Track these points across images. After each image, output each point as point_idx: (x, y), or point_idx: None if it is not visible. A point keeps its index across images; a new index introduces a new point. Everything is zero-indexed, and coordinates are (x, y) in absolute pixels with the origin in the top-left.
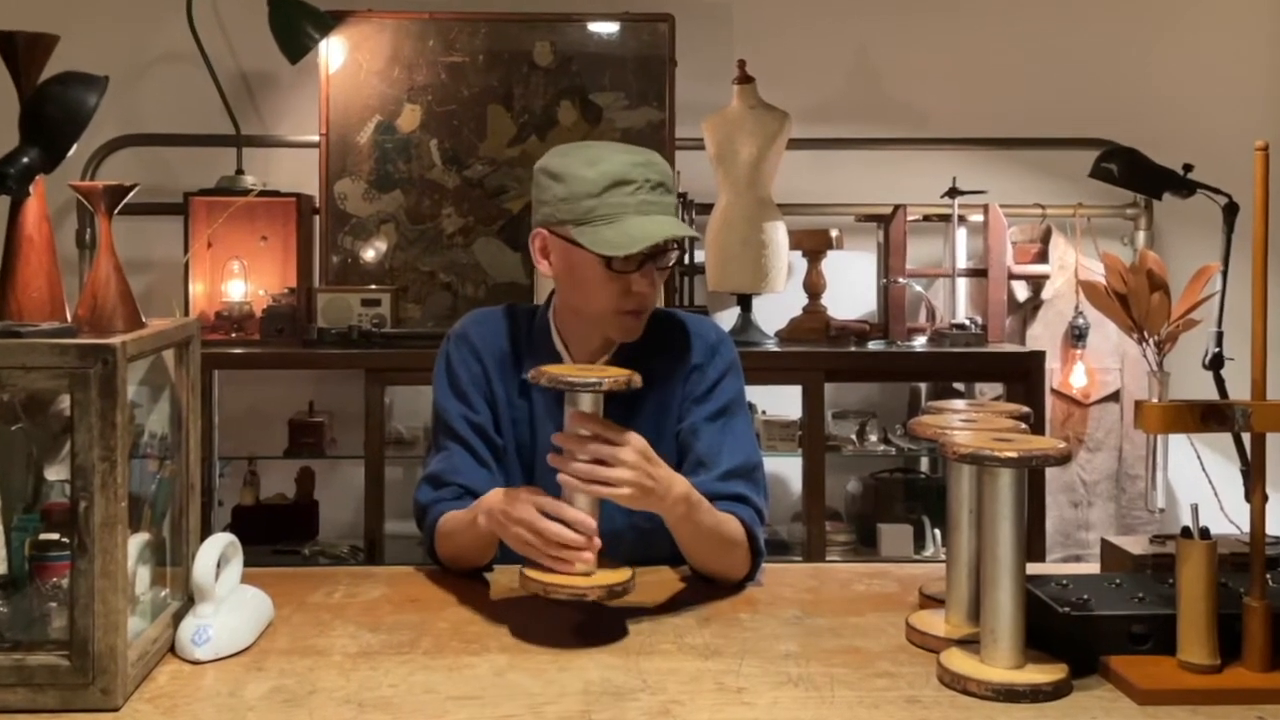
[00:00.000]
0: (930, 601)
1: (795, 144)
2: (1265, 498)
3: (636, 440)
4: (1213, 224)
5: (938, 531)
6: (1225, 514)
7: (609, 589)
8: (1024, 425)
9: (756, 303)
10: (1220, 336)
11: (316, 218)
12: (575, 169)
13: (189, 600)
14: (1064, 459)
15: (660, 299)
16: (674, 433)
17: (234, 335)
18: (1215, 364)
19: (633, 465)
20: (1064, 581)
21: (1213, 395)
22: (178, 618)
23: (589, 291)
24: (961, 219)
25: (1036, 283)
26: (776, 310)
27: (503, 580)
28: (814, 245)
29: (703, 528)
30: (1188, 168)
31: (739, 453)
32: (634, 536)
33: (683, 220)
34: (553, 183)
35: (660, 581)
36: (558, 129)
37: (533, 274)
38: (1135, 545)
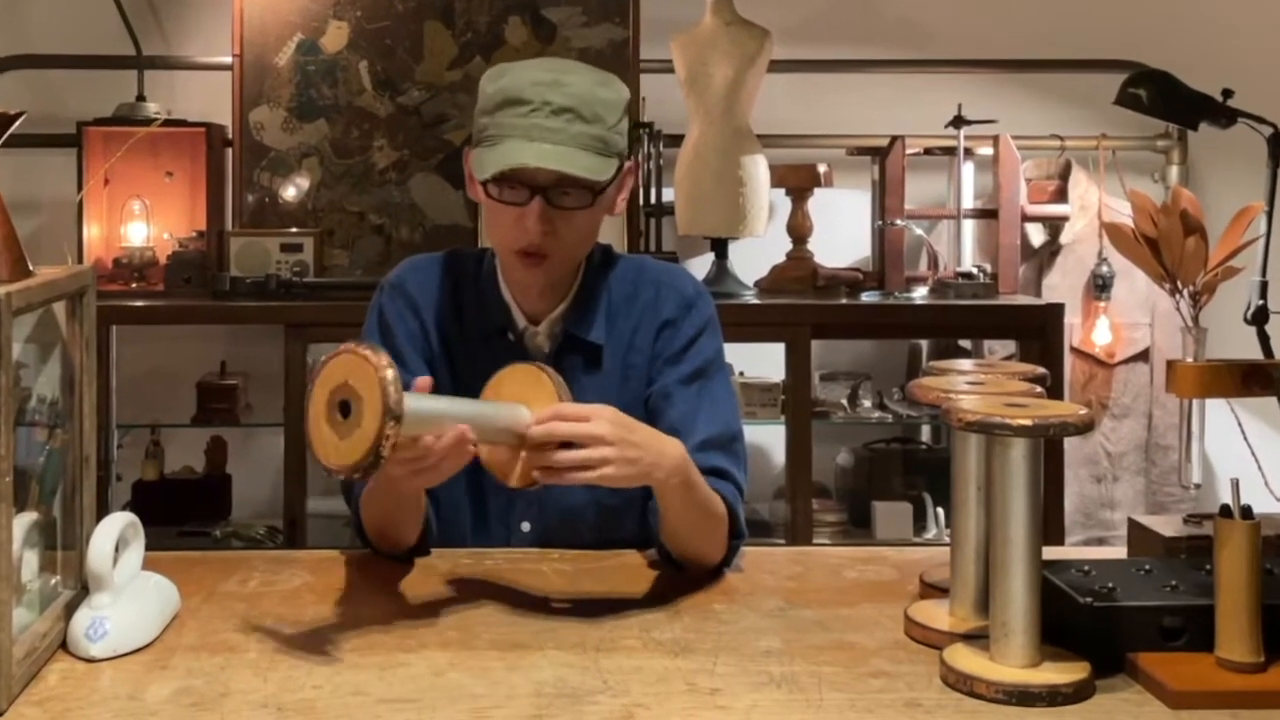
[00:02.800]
0: (932, 591)
1: (777, 66)
2: None
3: (605, 411)
4: (1256, 158)
5: (941, 510)
6: (1270, 490)
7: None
8: (1039, 388)
9: (733, 248)
10: (1264, 287)
11: (229, 151)
12: (486, 83)
13: (83, 589)
14: (1085, 427)
15: (623, 244)
16: (643, 397)
17: (134, 285)
18: (1259, 318)
19: (609, 439)
20: (1086, 568)
21: (1256, 354)
22: (70, 609)
23: (488, 223)
24: (968, 152)
25: (1054, 225)
26: (756, 257)
27: (443, 566)
28: (799, 182)
29: (697, 500)
30: (1227, 93)
31: (716, 421)
32: (596, 513)
33: (607, 154)
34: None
35: (624, 567)
36: (505, 49)
37: (477, 215)
38: (1167, 526)
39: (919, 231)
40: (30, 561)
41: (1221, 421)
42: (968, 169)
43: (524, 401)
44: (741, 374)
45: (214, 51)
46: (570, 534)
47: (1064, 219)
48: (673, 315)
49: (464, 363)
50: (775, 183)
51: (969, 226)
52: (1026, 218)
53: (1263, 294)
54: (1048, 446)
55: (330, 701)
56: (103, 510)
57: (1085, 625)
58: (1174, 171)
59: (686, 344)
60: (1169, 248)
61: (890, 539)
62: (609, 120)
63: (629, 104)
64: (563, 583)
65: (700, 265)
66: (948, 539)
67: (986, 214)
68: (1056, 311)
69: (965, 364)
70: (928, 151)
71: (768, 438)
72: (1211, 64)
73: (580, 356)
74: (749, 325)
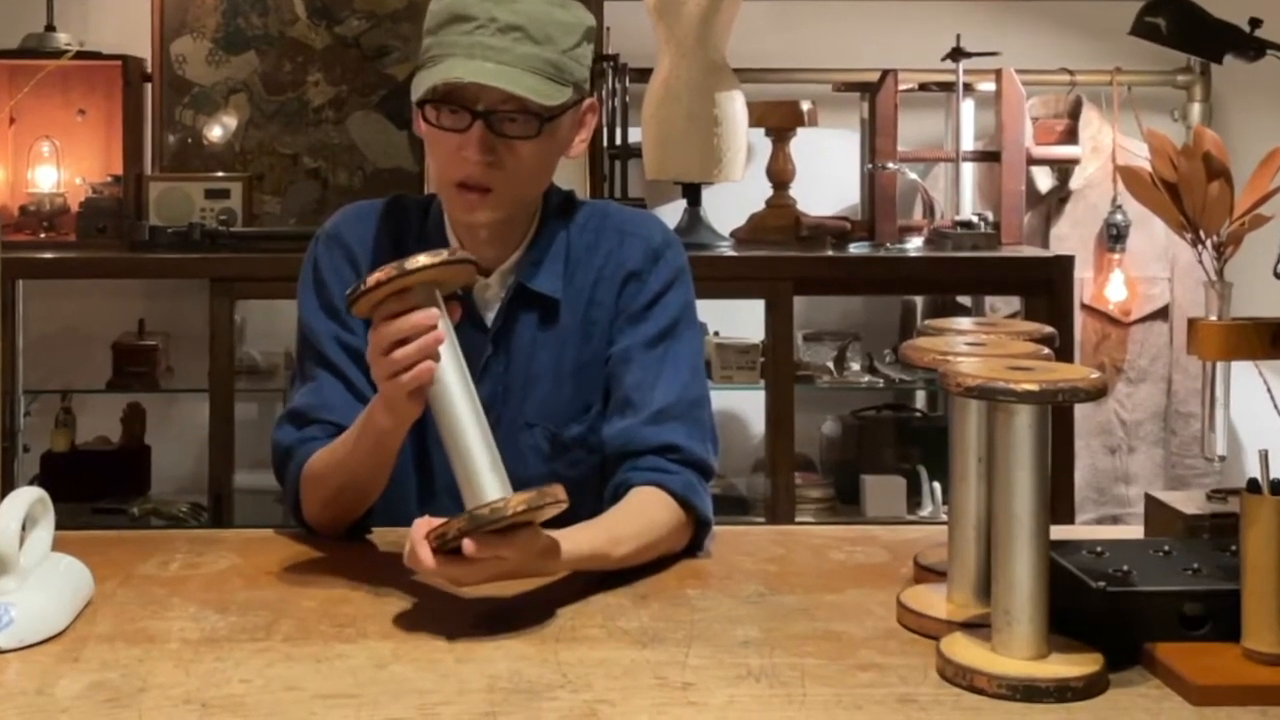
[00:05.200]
0: (928, 574)
1: None
2: None
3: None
4: None
5: (937, 485)
6: None
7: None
8: (1047, 350)
9: (707, 195)
10: None
11: (148, 87)
12: (434, 4)
13: None
14: (1097, 393)
15: (586, 190)
16: (604, 357)
17: (43, 236)
18: None
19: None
20: (1098, 549)
21: None
22: None
23: (429, 154)
24: (967, 88)
25: (1063, 169)
26: (732, 204)
27: (386, 547)
28: (780, 121)
29: (626, 559)
30: (1255, 23)
31: (674, 386)
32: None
33: (559, 80)
34: None
35: None
36: None
37: (422, 158)
38: (1188, 502)
39: (913, 176)
40: None
41: (1248, 386)
42: (967, 107)
43: None
44: (716, 334)
45: None
46: None
47: (1074, 162)
48: (638, 267)
49: None
50: (754, 122)
51: (969, 170)
52: (1032, 161)
53: None
54: (1056, 414)
55: (260, 697)
56: (7, 485)
57: (1098, 612)
58: (1195, 109)
59: (652, 300)
60: (1190, 194)
61: (881, 517)
62: (562, 43)
63: (591, 31)
64: None
65: (671, 213)
66: (945, 517)
67: (988, 156)
68: (1065, 264)
69: (964, 323)
70: (923, 87)
71: (745, 404)
72: None
73: (535, 311)
74: (725, 280)
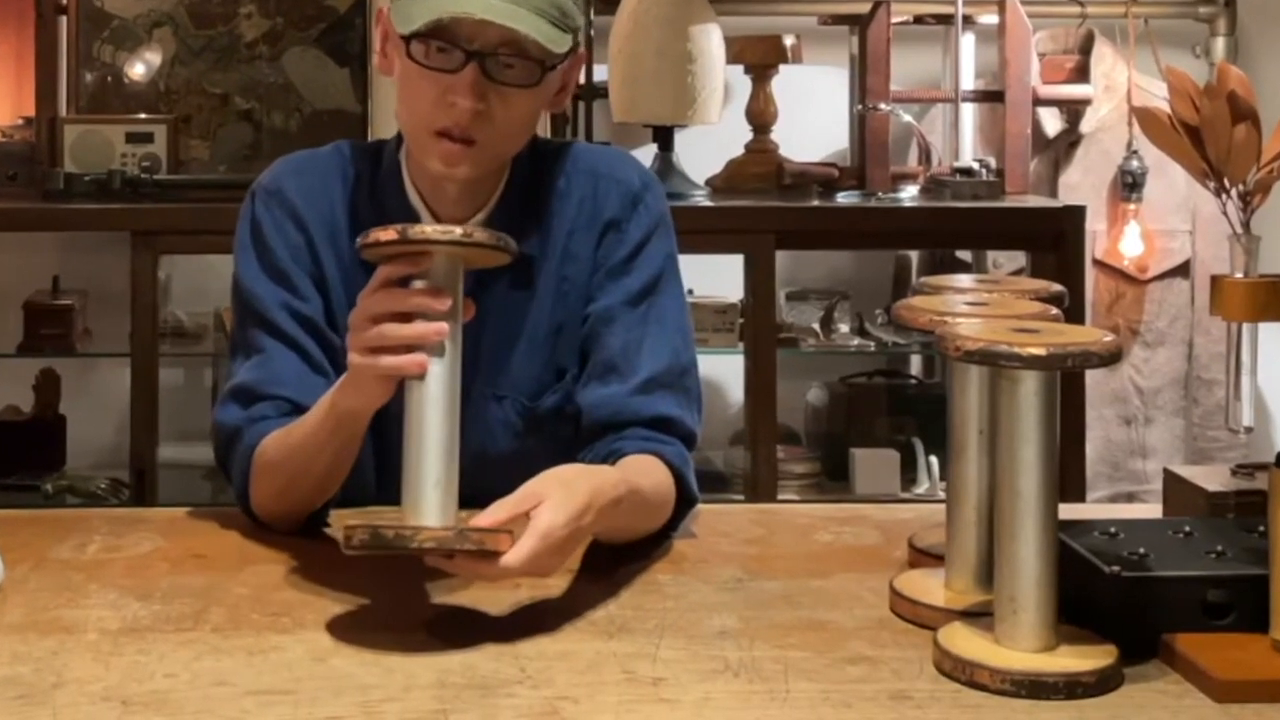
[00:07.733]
0: (924, 558)
1: None
2: None
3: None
4: None
5: (934, 460)
6: None
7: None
8: (1055, 310)
9: (680, 138)
10: None
11: (63, 20)
12: None
13: None
14: (1111, 357)
15: (546, 133)
16: (581, 317)
17: None
18: None
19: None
20: (1112, 530)
21: None
22: None
23: (403, 96)
24: (967, 21)
25: (1073, 110)
26: (708, 149)
27: (327, 529)
28: (761, 58)
29: (628, 509)
30: None
31: (663, 350)
32: (522, 468)
33: (563, 26)
34: None
35: None
36: None
37: (366, 98)
38: (1211, 478)
39: (908, 118)
40: None
41: (1278, 350)
42: (967, 41)
43: None
44: (691, 292)
45: None
46: (491, 488)
47: (1085, 103)
48: (616, 214)
49: (359, 285)
50: (731, 58)
51: (969, 112)
52: (1039, 101)
53: None
54: (1065, 381)
55: (187, 693)
56: None
57: (1111, 600)
58: (1219, 44)
59: (634, 250)
60: (1213, 137)
61: (872, 494)
62: None
63: None
64: None
65: (640, 159)
66: (942, 494)
67: (990, 97)
68: (1076, 216)
69: (964, 280)
70: (919, 20)
71: (723, 370)
72: None
73: (507, 273)
74: (700, 233)
